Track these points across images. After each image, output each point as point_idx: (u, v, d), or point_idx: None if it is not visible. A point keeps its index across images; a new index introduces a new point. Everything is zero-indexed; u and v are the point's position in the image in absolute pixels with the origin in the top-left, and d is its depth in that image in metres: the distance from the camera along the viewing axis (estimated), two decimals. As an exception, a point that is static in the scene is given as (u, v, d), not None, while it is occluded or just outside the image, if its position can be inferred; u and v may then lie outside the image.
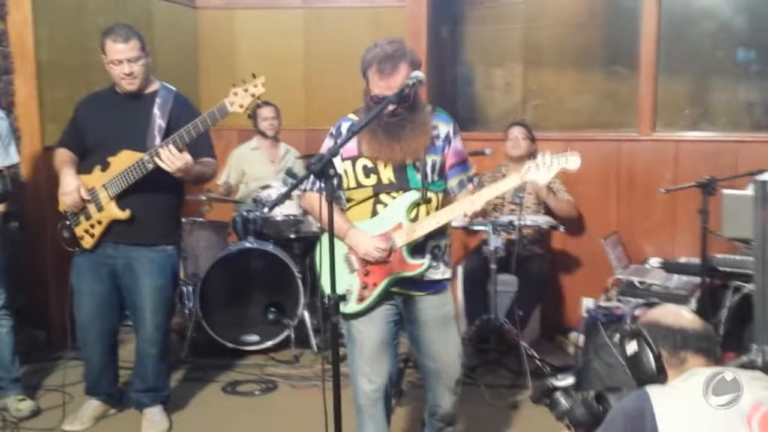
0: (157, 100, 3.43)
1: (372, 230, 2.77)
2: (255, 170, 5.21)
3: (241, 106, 3.22)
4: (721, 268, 3.97)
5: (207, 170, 3.51)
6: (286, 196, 2.48)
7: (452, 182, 2.87)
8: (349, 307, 2.79)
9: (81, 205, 3.38)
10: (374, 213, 2.81)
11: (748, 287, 3.77)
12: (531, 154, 4.81)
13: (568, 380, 2.27)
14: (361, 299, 2.79)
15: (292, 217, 4.72)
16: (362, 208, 2.84)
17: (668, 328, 2.01)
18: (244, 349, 4.57)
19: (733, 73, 5.17)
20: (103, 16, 4.92)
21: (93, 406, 3.68)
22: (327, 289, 2.44)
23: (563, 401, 2.21)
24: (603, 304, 4.11)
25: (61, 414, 3.65)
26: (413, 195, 2.77)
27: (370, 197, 2.81)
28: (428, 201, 2.80)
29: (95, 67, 4.83)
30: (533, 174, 2.65)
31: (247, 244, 4.68)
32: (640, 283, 4.26)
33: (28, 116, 4.47)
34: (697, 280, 4.05)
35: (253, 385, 4.18)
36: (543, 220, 4.55)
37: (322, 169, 2.33)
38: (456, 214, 2.71)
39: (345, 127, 2.84)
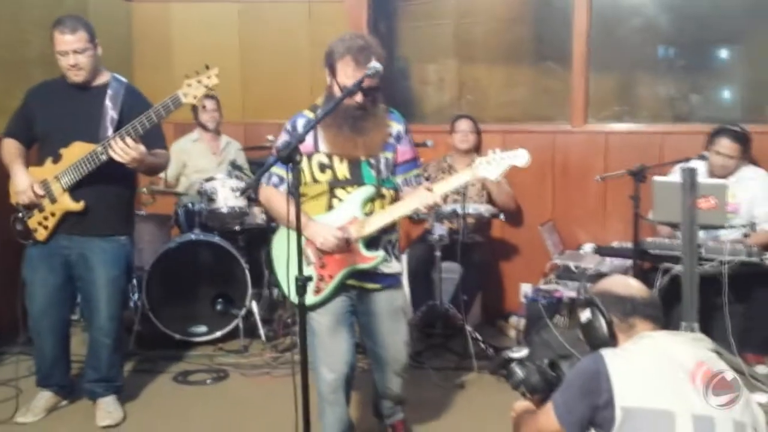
0: (109, 92, 3.44)
1: (328, 224, 2.85)
2: (197, 162, 5.21)
3: (195, 97, 3.27)
4: (651, 251, 4.20)
5: (160, 161, 3.54)
6: (257, 180, 2.56)
7: (399, 179, 2.97)
8: (306, 298, 2.86)
9: (37, 202, 3.37)
10: (329, 207, 2.90)
11: (677, 269, 4.02)
12: (476, 147, 4.99)
13: (522, 352, 2.40)
14: (317, 291, 2.88)
15: (237, 209, 4.74)
16: (317, 202, 2.91)
17: (618, 297, 2.18)
18: (193, 341, 4.59)
19: (659, 68, 5.44)
20: (40, 9, 4.87)
21: (45, 397, 3.66)
22: (284, 279, 2.51)
23: (519, 371, 2.34)
24: (542, 287, 4.32)
25: (13, 407, 3.62)
26: (368, 190, 2.87)
27: (324, 192, 2.89)
28: (382, 197, 2.90)
29: (33, 60, 4.80)
30: (484, 170, 2.77)
31: (193, 236, 4.70)
32: (576, 267, 4.47)
33: (-35, 109, 4.39)
34: (629, 262, 4.27)
35: (204, 374, 4.21)
36: (485, 209, 4.72)
37: (289, 156, 2.41)
38: (410, 208, 2.82)
39: (300, 123, 2.91)
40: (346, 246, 2.83)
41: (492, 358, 4.14)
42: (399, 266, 3.04)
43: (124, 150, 3.22)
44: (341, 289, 2.92)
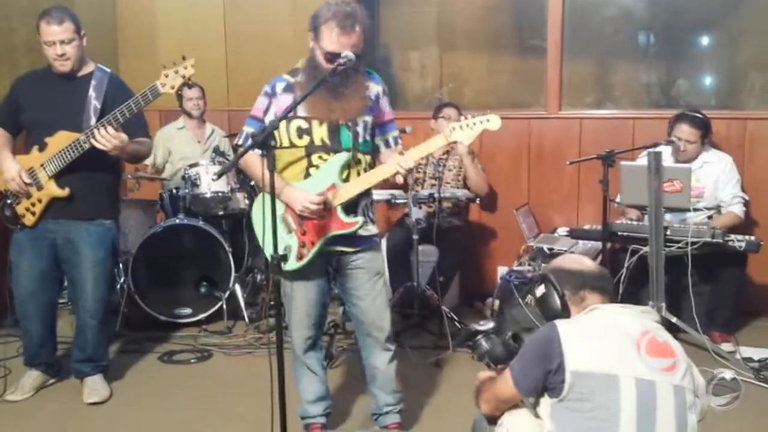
0: (93, 82, 3.55)
1: (306, 191, 2.91)
2: (182, 149, 5.33)
3: (172, 87, 3.37)
4: (620, 233, 4.34)
5: (142, 149, 3.65)
6: (233, 164, 2.67)
7: (379, 140, 3.05)
8: (289, 264, 2.95)
9: (25, 189, 3.48)
10: (307, 175, 2.96)
11: (644, 250, 4.17)
12: None
13: (488, 325, 2.53)
14: (300, 257, 2.96)
15: (220, 194, 4.85)
16: (294, 169, 2.97)
17: (569, 272, 2.32)
18: (178, 322, 4.72)
19: (632, 55, 5.59)
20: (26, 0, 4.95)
21: (33, 376, 3.78)
22: (268, 245, 2.60)
23: (484, 343, 2.47)
24: (516, 268, 4.46)
25: (1, 387, 3.75)
26: (344, 156, 2.92)
27: (302, 158, 2.94)
28: (358, 162, 2.96)
29: (19, 49, 4.90)
30: (458, 134, 2.86)
31: (177, 221, 4.81)
32: (549, 249, 4.62)
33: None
34: (600, 244, 4.41)
35: (189, 354, 4.34)
36: (461, 193, 4.85)
37: (264, 141, 2.52)
38: (386, 174, 2.89)
39: (280, 86, 2.95)
40: (325, 212, 2.90)
41: (459, 332, 4.26)
42: (375, 228, 3.10)
43: (106, 138, 3.33)
44: (320, 255, 2.99)
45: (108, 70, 3.67)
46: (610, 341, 2.10)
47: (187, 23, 5.93)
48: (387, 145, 3.07)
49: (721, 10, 5.40)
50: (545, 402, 2.16)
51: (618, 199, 4.39)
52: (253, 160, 2.94)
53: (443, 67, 5.94)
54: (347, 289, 3.12)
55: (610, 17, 5.49)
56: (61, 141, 3.44)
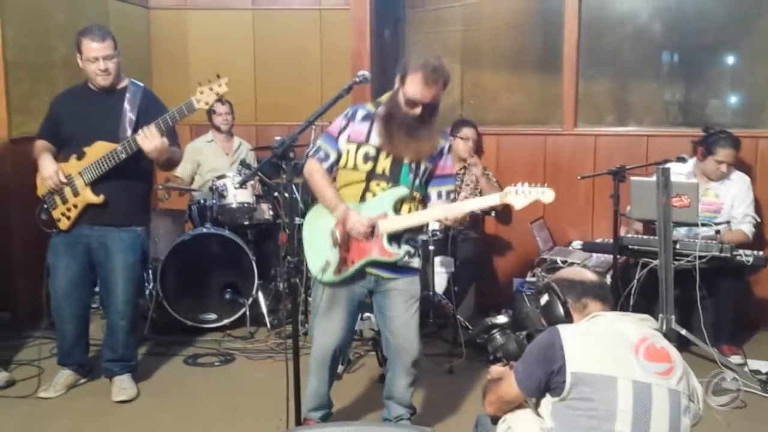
0: (127, 95, 3.77)
1: (360, 213, 3.11)
2: (210, 162, 5.54)
3: (206, 103, 3.59)
4: (630, 247, 4.46)
5: (175, 156, 3.87)
6: (255, 173, 2.86)
7: (433, 191, 3.21)
8: (327, 276, 3.14)
9: (60, 187, 3.69)
10: (362, 199, 3.15)
11: (654, 263, 4.28)
12: (476, 149, 5.28)
13: (503, 319, 2.67)
14: (338, 271, 3.14)
15: (246, 205, 5.05)
16: (352, 190, 3.17)
17: (571, 281, 2.47)
18: (203, 327, 4.91)
19: (647, 74, 5.70)
20: (64, 17, 5.20)
21: (65, 375, 3.99)
22: (310, 255, 2.94)
23: (499, 337, 2.61)
24: (529, 279, 4.59)
25: (35, 385, 3.95)
26: (402, 190, 3.12)
27: (361, 181, 3.14)
28: (413, 199, 3.16)
29: (57, 64, 5.14)
30: (512, 198, 3.00)
31: (204, 230, 5.01)
32: (563, 262, 4.74)
33: (-5, 111, 4.75)
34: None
35: (212, 357, 4.53)
36: (477, 206, 4.99)
37: (283, 153, 2.71)
38: (436, 216, 3.11)
39: (360, 114, 3.17)
40: (371, 236, 3.08)
41: (476, 326, 4.37)
42: (417, 262, 3.27)
43: (150, 136, 3.52)
44: (360, 274, 3.17)
45: (141, 84, 3.89)
46: (609, 345, 2.24)
47: (217, 41, 6.15)
48: (439, 196, 3.22)
49: (736, 30, 5.50)
50: (546, 401, 2.30)
51: (627, 213, 4.50)
52: (319, 173, 3.17)
53: (464, 84, 6.10)
54: (382, 309, 3.27)
55: (626, 36, 5.62)
56: (98, 150, 3.66)
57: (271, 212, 5.19)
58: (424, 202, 3.23)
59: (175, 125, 3.71)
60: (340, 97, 2.99)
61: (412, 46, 6.20)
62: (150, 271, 5.00)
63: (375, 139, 3.11)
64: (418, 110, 3.01)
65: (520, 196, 2.99)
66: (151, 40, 6.27)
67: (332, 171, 3.20)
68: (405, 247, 3.15)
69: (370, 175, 3.13)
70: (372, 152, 3.12)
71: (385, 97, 3.18)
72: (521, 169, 5.35)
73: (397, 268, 3.18)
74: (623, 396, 2.17)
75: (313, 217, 3.25)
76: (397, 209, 3.12)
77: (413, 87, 3.00)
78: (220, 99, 3.75)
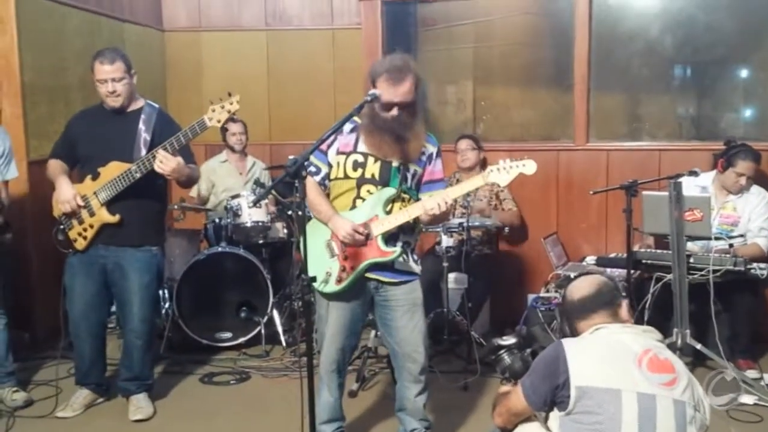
0: (142, 116, 3.82)
1: (352, 220, 3.14)
2: (224, 182, 5.59)
3: (219, 121, 3.62)
4: (644, 261, 4.46)
5: (195, 174, 3.92)
6: (269, 192, 2.90)
7: (424, 196, 3.21)
8: (329, 287, 3.17)
9: (78, 210, 3.75)
10: (353, 206, 3.19)
11: (668, 277, 4.27)
12: (479, 163, 5.31)
13: (511, 340, 2.70)
14: (339, 281, 3.17)
15: (260, 224, 5.10)
16: (344, 199, 3.21)
17: (574, 303, 2.49)
18: (218, 345, 4.94)
19: (658, 88, 5.73)
20: (81, 40, 5.29)
21: (83, 395, 4.02)
22: (312, 267, 2.85)
23: (506, 357, 2.64)
24: (542, 295, 4.59)
25: (53, 404, 3.98)
26: (391, 191, 3.15)
27: (352, 189, 3.18)
28: (402, 199, 3.19)
29: (73, 87, 5.22)
30: (495, 176, 3.04)
31: (220, 249, 5.05)
32: (576, 277, 4.72)
33: (13, 133, 4.75)
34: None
35: (228, 376, 4.55)
36: (490, 222, 5.02)
37: (295, 171, 2.73)
38: (425, 209, 3.06)
39: (348, 126, 3.16)
40: (365, 241, 3.11)
41: (485, 346, 4.38)
42: (417, 268, 3.27)
43: (166, 159, 3.57)
44: (361, 283, 3.20)
45: (156, 105, 3.94)
46: (613, 358, 2.26)
47: (231, 61, 6.24)
48: None
49: (748, 44, 5.51)
50: (554, 415, 2.32)
51: (642, 228, 4.50)
52: (311, 187, 3.20)
53: (477, 100, 6.14)
54: (385, 320, 3.29)
55: (637, 51, 5.64)
56: (113, 170, 3.71)
57: (285, 231, 5.23)
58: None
59: (189, 144, 3.75)
60: (352, 116, 3.01)
61: (424, 63, 6.24)
62: (166, 291, 5.04)
63: (362, 146, 3.17)
64: (395, 112, 3.06)
65: (502, 173, 3.02)
66: (166, 61, 6.37)
67: (325, 185, 3.25)
68: (401, 245, 3.17)
69: (360, 181, 3.17)
70: (360, 159, 3.17)
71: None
72: (534, 185, 5.36)
73: (396, 271, 3.20)
74: (628, 408, 2.18)
75: (309, 232, 3.20)
76: (387, 210, 3.15)
77: (383, 90, 3.04)
78: (233, 117, 3.78)
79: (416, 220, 3.19)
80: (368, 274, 3.20)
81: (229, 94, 3.62)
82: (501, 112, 6.14)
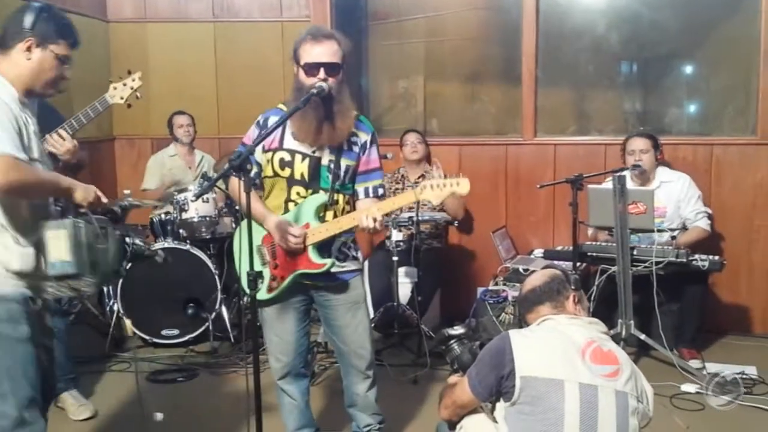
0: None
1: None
2: (173, 176, 5.51)
3: (122, 98, 3.55)
4: (589, 254, 4.52)
5: (85, 159, 3.70)
6: (211, 186, 2.83)
7: (360, 187, 3.10)
8: (260, 294, 3.07)
9: None
10: (285, 210, 3.06)
11: (612, 269, 4.34)
12: (426, 157, 5.32)
13: (461, 330, 2.70)
14: (270, 289, 3.07)
15: (207, 218, 5.03)
16: (277, 199, 3.07)
17: (525, 297, 2.54)
18: (165, 343, 4.86)
19: (605, 83, 5.82)
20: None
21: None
22: (243, 271, 2.76)
23: (456, 347, 2.64)
24: (491, 288, 4.63)
25: None
26: (321, 197, 3.02)
27: (283, 189, 3.04)
28: (335, 203, 3.05)
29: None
30: (427, 193, 2.93)
31: (166, 244, 4.97)
32: (524, 270, 4.79)
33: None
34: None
35: (176, 373, 4.49)
36: (439, 216, 5.03)
37: (240, 165, 2.68)
38: (357, 222, 2.94)
39: (272, 120, 3.04)
40: (302, 247, 2.98)
41: (434, 337, 4.40)
42: (354, 264, 3.15)
43: (59, 142, 3.37)
44: (296, 287, 3.08)
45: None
46: (556, 349, 2.28)
47: (178, 53, 6.12)
48: (366, 193, 3.11)
49: (692, 40, 5.62)
50: (500, 406, 2.33)
51: (587, 221, 4.56)
52: (235, 185, 3.02)
53: (427, 95, 6.15)
54: (328, 319, 3.18)
55: (583, 47, 5.71)
56: None
57: (233, 225, 5.17)
58: (352, 201, 3.14)
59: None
60: (298, 109, 2.91)
61: (374, 57, 6.24)
62: (110, 288, 4.93)
63: (289, 141, 3.02)
64: (321, 75, 2.90)
65: (435, 190, 2.91)
66: (110, 54, 6.22)
67: (257, 183, 3.09)
68: (333, 257, 3.04)
69: (291, 182, 3.04)
70: (287, 157, 3.01)
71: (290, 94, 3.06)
72: (483, 178, 5.41)
73: (331, 275, 3.07)
74: (570, 399, 2.21)
75: (240, 235, 3.01)
76: (320, 217, 3.03)
77: (306, 53, 2.92)
78: (137, 95, 3.67)
79: None
80: (305, 281, 3.08)
81: (129, 72, 3.56)
82: (451, 107, 6.16)
